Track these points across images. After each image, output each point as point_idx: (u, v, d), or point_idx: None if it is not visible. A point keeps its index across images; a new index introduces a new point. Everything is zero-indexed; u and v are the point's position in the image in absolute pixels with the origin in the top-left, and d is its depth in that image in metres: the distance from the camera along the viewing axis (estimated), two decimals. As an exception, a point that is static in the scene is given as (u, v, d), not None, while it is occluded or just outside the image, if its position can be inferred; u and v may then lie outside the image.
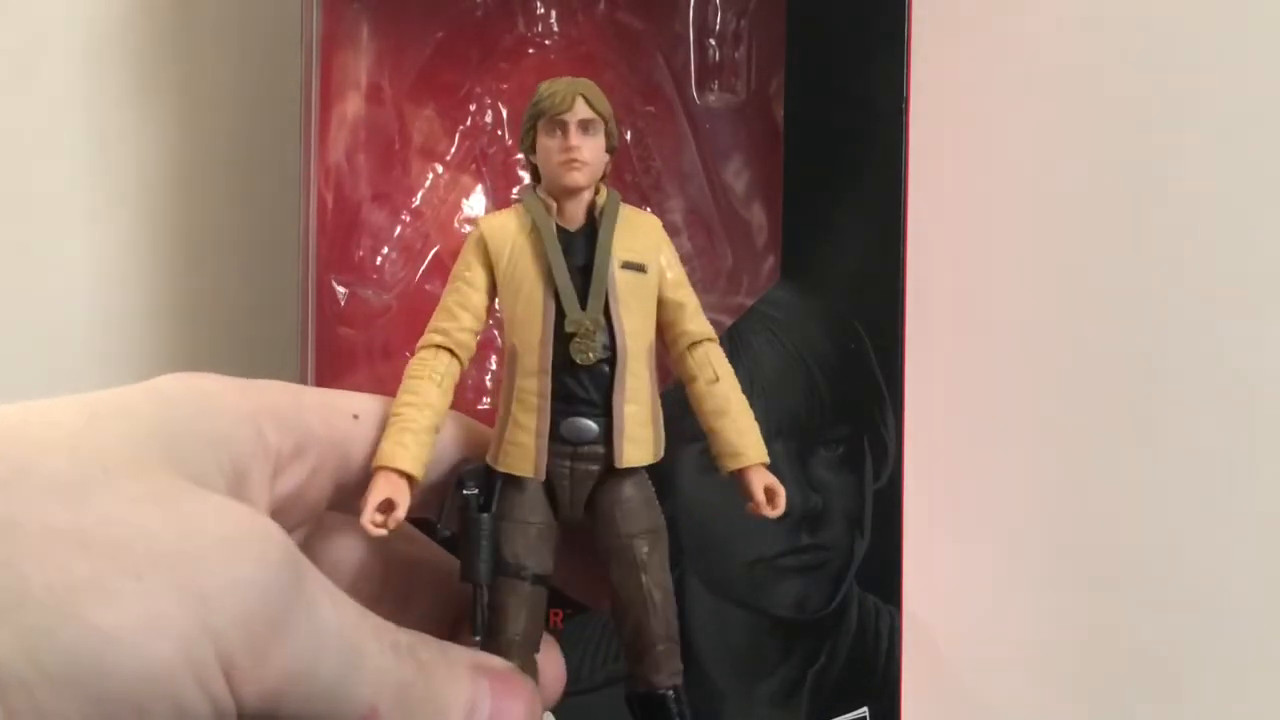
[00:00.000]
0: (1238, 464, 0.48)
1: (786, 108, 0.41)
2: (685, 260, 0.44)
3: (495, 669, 0.30)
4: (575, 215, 0.33)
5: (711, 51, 0.45)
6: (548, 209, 0.33)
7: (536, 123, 0.33)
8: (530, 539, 0.32)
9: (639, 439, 0.33)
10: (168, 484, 0.25)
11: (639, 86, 0.45)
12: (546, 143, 0.33)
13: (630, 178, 0.45)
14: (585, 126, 0.33)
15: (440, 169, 0.45)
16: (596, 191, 0.33)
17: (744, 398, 0.34)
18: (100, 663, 0.23)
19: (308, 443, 0.30)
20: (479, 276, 0.33)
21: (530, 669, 0.32)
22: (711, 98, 0.45)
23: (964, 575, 0.48)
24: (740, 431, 0.33)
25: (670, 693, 0.33)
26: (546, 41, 0.45)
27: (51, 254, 0.51)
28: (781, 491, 0.33)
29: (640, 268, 0.33)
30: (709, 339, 0.34)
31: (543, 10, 0.45)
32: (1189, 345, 0.48)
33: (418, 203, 0.45)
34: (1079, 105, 0.48)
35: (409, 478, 0.31)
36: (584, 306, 0.32)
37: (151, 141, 0.51)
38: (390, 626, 0.28)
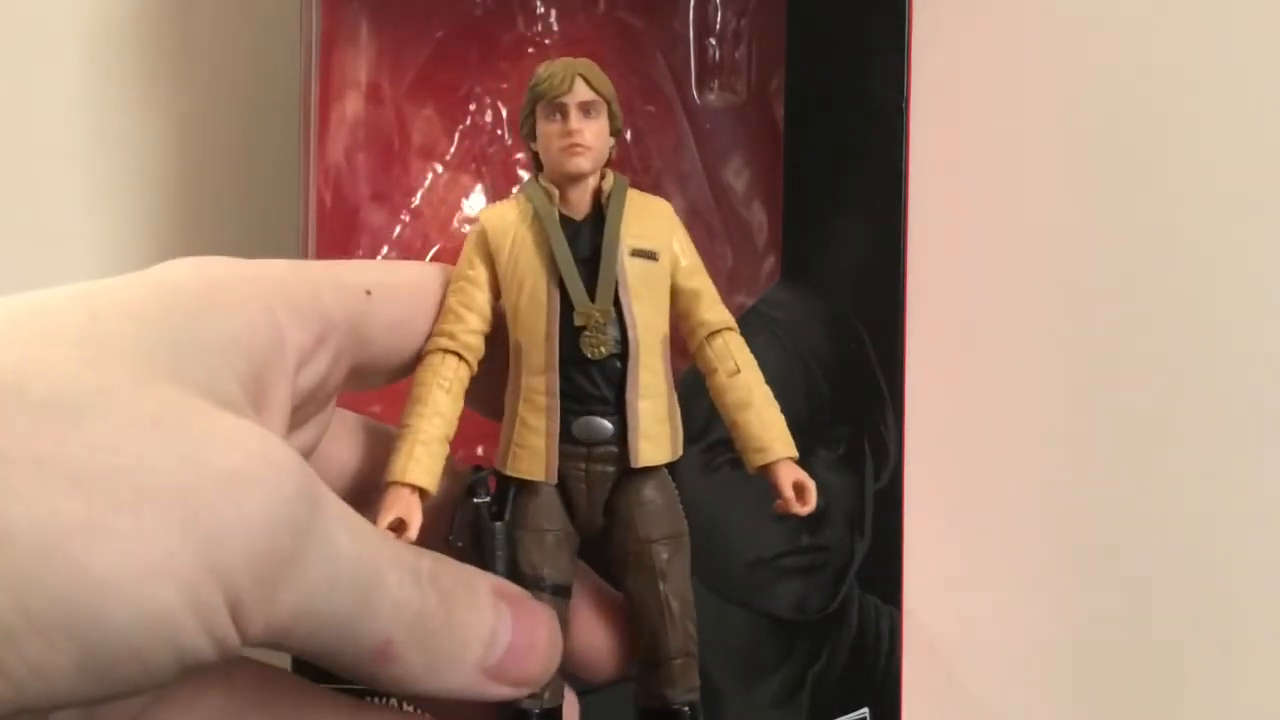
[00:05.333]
0: (1239, 463, 0.48)
1: (786, 108, 0.41)
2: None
3: (516, 596, 0.29)
4: (580, 203, 0.31)
5: (711, 51, 0.45)
6: (550, 197, 0.31)
7: (535, 107, 0.31)
8: (547, 547, 0.31)
9: (655, 436, 0.31)
10: (173, 404, 0.23)
11: (639, 86, 0.45)
12: (546, 128, 0.31)
13: (630, 177, 0.45)
14: (586, 109, 0.31)
15: (440, 169, 0.45)
16: (602, 177, 0.32)
17: (768, 389, 0.32)
18: (94, 610, 0.21)
19: (327, 331, 0.28)
20: (481, 273, 0.31)
21: (557, 692, 0.31)
22: (711, 97, 0.45)
23: (964, 575, 0.48)
24: (765, 425, 0.31)
25: (686, 710, 0.31)
26: (546, 41, 0.45)
27: (50, 253, 0.51)
28: (812, 486, 0.31)
29: (651, 255, 0.31)
30: (728, 328, 0.32)
31: (542, 9, 0.45)
32: (1190, 344, 0.48)
33: (417, 202, 0.45)
34: (1080, 104, 0.48)
35: (421, 492, 0.30)
36: (592, 298, 0.30)
37: (150, 141, 0.51)
38: (411, 551, 0.26)
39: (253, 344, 0.26)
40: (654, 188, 0.45)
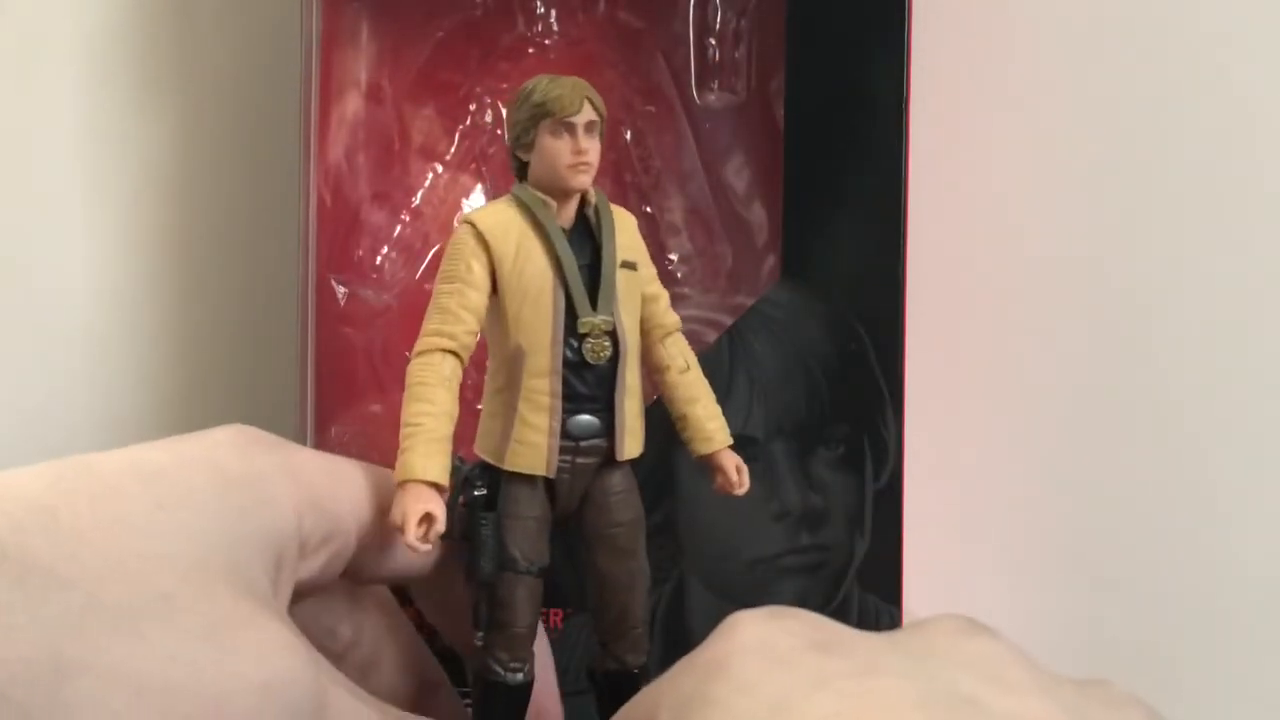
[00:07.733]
0: (1238, 463, 0.48)
1: (786, 108, 0.41)
2: (685, 260, 0.44)
3: None
4: (568, 214, 0.33)
5: (711, 51, 0.45)
6: (550, 209, 0.33)
7: (540, 123, 0.32)
8: (530, 533, 0.33)
9: (635, 432, 0.33)
10: (223, 612, 0.26)
11: (639, 86, 0.45)
12: (553, 144, 0.32)
13: (630, 178, 0.45)
14: (591, 129, 0.33)
15: (440, 168, 0.45)
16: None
17: (708, 385, 0.35)
18: None
19: (335, 533, 0.31)
20: (481, 277, 0.32)
21: (530, 660, 0.33)
22: (711, 98, 0.45)
23: (964, 575, 0.48)
24: (710, 417, 0.35)
25: (637, 671, 0.34)
26: (546, 41, 0.45)
27: (51, 253, 0.51)
28: (746, 470, 0.34)
29: (633, 265, 0.33)
30: (678, 329, 0.35)
31: (542, 9, 0.45)
32: (1190, 344, 0.48)
33: (417, 202, 0.45)
34: (1079, 103, 0.48)
35: (438, 487, 0.31)
36: (594, 307, 0.32)
37: (151, 141, 0.51)
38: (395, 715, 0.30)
39: (281, 540, 0.29)
40: (654, 188, 0.45)
